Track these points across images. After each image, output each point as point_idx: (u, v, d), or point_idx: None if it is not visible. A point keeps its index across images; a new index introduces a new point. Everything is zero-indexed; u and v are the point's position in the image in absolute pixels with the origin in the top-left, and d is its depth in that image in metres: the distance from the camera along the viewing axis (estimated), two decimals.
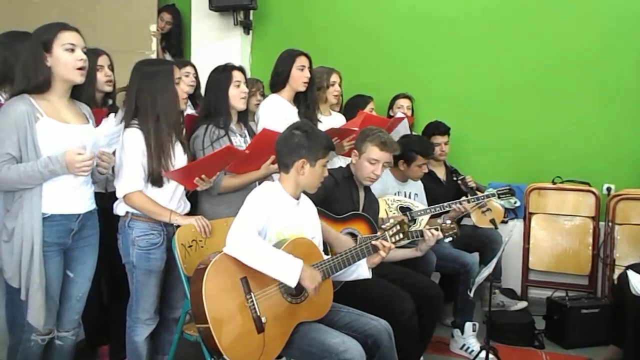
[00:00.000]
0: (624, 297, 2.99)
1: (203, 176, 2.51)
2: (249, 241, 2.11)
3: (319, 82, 3.43)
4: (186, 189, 2.59)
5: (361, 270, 2.39)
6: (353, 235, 2.77)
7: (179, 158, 2.52)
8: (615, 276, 3.64)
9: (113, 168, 2.48)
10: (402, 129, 3.67)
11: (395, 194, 3.44)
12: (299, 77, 3.21)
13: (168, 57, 4.74)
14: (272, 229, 2.26)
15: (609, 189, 4.17)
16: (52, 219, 2.18)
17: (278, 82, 3.25)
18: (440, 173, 3.91)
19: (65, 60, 2.16)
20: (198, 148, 2.68)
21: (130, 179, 2.40)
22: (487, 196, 3.49)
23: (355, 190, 2.92)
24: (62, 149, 2.12)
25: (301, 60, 3.21)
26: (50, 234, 2.18)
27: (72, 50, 2.17)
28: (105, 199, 2.68)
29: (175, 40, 4.80)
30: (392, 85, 4.31)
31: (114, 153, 2.38)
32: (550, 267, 4.21)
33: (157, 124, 2.39)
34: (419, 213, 3.31)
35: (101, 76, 2.88)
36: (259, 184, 2.81)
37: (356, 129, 3.03)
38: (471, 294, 2.88)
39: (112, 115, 2.28)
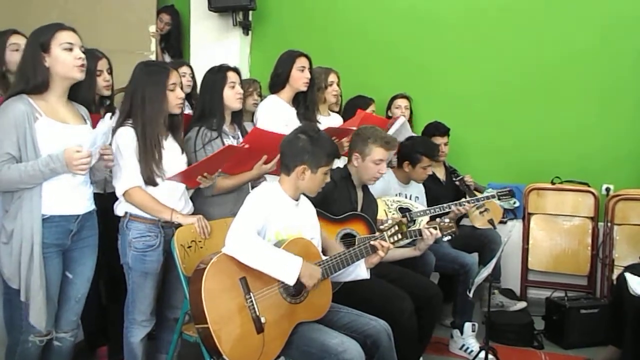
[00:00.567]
0: (622, 297, 2.99)
1: (205, 174, 2.52)
2: (248, 241, 2.11)
3: (317, 83, 3.43)
4: (188, 187, 2.59)
5: (359, 271, 2.39)
6: (351, 235, 2.77)
7: (176, 159, 2.51)
8: (614, 276, 3.64)
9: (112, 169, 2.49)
10: (404, 130, 3.67)
11: (396, 195, 3.44)
12: (299, 78, 3.21)
13: (167, 58, 4.74)
14: (271, 229, 2.26)
15: (608, 190, 4.18)
16: (51, 220, 2.18)
17: (278, 83, 3.25)
18: (440, 173, 3.91)
19: (64, 59, 2.16)
20: (190, 150, 2.67)
21: (128, 176, 2.40)
22: (487, 197, 3.49)
23: (354, 190, 2.92)
24: (61, 149, 2.12)
25: (301, 61, 3.21)
26: (50, 235, 2.17)
27: (71, 49, 2.17)
28: (103, 199, 2.68)
29: (175, 41, 4.80)
30: (391, 86, 4.31)
31: None
32: (549, 267, 4.21)
33: (143, 127, 2.39)
34: (418, 214, 3.31)
35: (100, 80, 2.88)
36: (252, 185, 2.83)
37: (354, 128, 3.04)
38: (470, 295, 2.88)
39: (107, 115, 2.28)
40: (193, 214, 2.61)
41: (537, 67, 4.28)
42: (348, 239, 2.78)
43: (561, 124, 4.25)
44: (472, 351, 3.27)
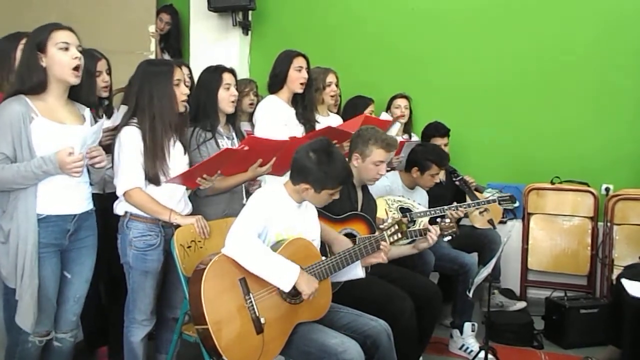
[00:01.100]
0: (622, 297, 2.99)
1: (205, 175, 2.52)
2: (247, 243, 2.11)
3: (315, 84, 3.42)
4: (188, 188, 2.59)
5: (355, 271, 2.39)
6: (352, 235, 2.77)
7: (178, 159, 2.51)
8: (614, 276, 3.64)
9: (112, 167, 2.49)
10: (392, 129, 3.66)
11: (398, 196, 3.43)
12: (296, 78, 3.20)
13: (167, 57, 4.74)
14: (272, 230, 2.25)
15: (607, 189, 4.18)
16: (48, 219, 2.18)
17: (276, 83, 3.25)
18: (440, 174, 3.90)
19: (60, 59, 2.15)
20: (187, 147, 2.67)
21: (129, 176, 2.40)
22: (488, 201, 3.49)
23: (353, 190, 2.92)
24: (56, 150, 2.11)
25: (299, 61, 3.21)
26: (46, 234, 2.17)
27: (67, 49, 2.17)
28: (103, 199, 2.68)
29: (174, 40, 4.81)
30: (391, 86, 4.31)
31: (106, 150, 2.37)
32: (549, 267, 4.21)
33: (152, 123, 2.39)
34: (418, 214, 3.31)
35: (99, 81, 2.88)
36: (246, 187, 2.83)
37: (352, 132, 3.03)
38: (470, 295, 2.88)
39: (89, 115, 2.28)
40: (191, 214, 2.62)
41: (536, 67, 4.28)
42: (349, 239, 2.77)
43: (561, 123, 4.26)
44: (471, 351, 3.27)
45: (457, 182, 3.81)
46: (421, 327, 2.71)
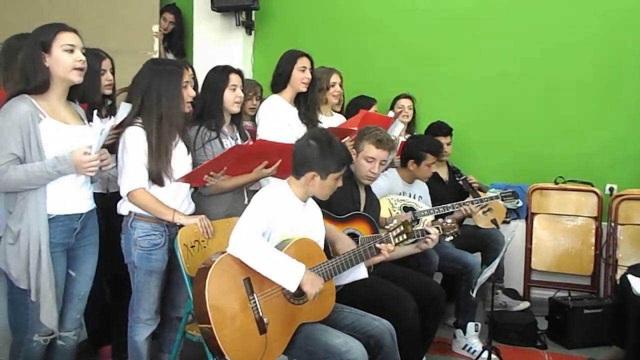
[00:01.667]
0: (626, 297, 2.98)
1: (212, 173, 2.52)
2: (251, 243, 2.11)
3: (319, 84, 3.42)
4: (193, 185, 2.60)
5: (358, 272, 2.40)
6: (355, 235, 2.77)
7: (182, 159, 2.52)
8: (618, 276, 3.64)
9: (116, 167, 2.49)
10: (395, 129, 3.66)
11: (400, 194, 3.44)
12: (299, 79, 3.21)
13: (170, 57, 4.74)
14: (277, 230, 2.26)
15: (611, 189, 4.16)
16: (57, 219, 2.19)
17: (279, 82, 3.25)
18: (443, 173, 3.91)
19: (64, 60, 2.16)
20: (190, 148, 2.67)
21: (133, 177, 2.40)
22: (491, 198, 3.49)
23: (356, 189, 2.92)
24: (64, 149, 2.12)
25: (303, 62, 3.21)
26: (56, 234, 2.18)
27: (72, 51, 2.17)
28: (106, 199, 2.69)
29: (178, 39, 4.81)
30: (394, 85, 4.31)
31: (109, 150, 2.39)
32: (553, 267, 4.20)
33: (159, 123, 2.40)
34: (422, 213, 3.31)
35: (103, 80, 2.89)
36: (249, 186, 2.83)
37: (356, 128, 3.03)
38: (473, 294, 2.88)
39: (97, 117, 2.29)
40: (194, 213, 2.62)
41: (540, 66, 4.27)
42: (351, 239, 2.77)
43: (565, 123, 4.25)
44: (475, 351, 3.27)
45: (460, 182, 3.81)
46: (424, 327, 2.70)
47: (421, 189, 3.55)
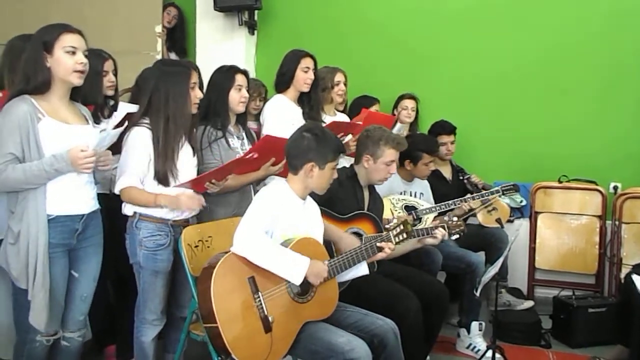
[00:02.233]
0: (630, 296, 2.98)
1: (213, 181, 2.53)
2: (256, 240, 2.12)
3: (323, 83, 3.42)
4: (196, 191, 2.60)
5: (359, 268, 2.41)
6: (358, 234, 2.77)
7: (187, 160, 2.52)
8: (622, 275, 3.62)
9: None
10: (395, 130, 3.66)
11: (400, 194, 3.43)
12: (302, 79, 3.21)
13: (173, 56, 4.75)
14: (279, 228, 2.26)
15: (615, 188, 4.15)
16: (57, 220, 2.19)
17: (282, 82, 3.25)
18: (447, 172, 3.91)
19: (65, 62, 2.15)
20: (196, 149, 2.68)
21: (127, 176, 2.39)
22: (492, 192, 3.49)
23: (360, 189, 2.92)
24: (63, 149, 2.13)
25: (306, 62, 3.21)
26: (56, 235, 2.18)
27: (73, 53, 2.17)
28: (109, 200, 2.69)
29: (180, 36, 4.82)
30: (397, 85, 4.31)
31: (113, 150, 2.39)
32: (557, 266, 4.19)
33: (166, 124, 2.40)
34: (424, 212, 3.31)
35: (105, 81, 2.90)
36: (256, 185, 2.83)
37: (360, 122, 3.03)
38: (477, 294, 2.87)
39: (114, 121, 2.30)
40: (198, 213, 2.63)
41: (543, 65, 4.26)
42: (355, 237, 2.77)
43: (568, 121, 4.23)
44: (479, 350, 3.27)
45: (464, 181, 3.80)
46: (428, 326, 2.70)
47: (421, 185, 3.56)
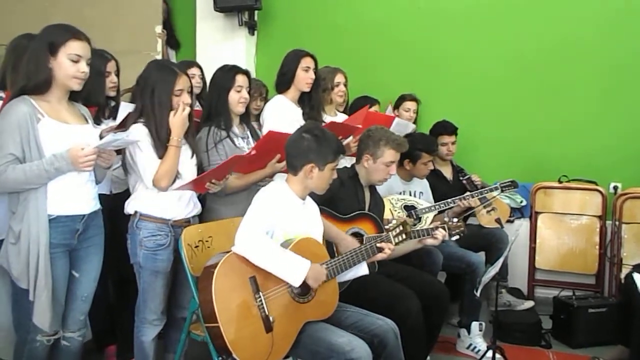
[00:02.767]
0: (631, 296, 2.98)
1: (214, 180, 2.52)
2: (256, 240, 2.12)
3: (324, 84, 3.42)
4: (197, 192, 2.60)
5: (359, 268, 2.41)
6: (359, 234, 2.77)
7: (186, 162, 2.51)
8: (623, 275, 3.62)
9: (125, 167, 2.50)
10: (403, 127, 3.66)
11: (400, 193, 3.43)
12: (303, 79, 3.20)
13: (172, 53, 4.76)
14: (279, 229, 2.26)
15: (615, 188, 4.16)
16: (58, 220, 2.19)
17: (283, 82, 3.25)
18: (447, 172, 3.91)
19: (67, 69, 2.16)
20: (202, 150, 2.67)
21: (149, 172, 2.39)
22: (491, 189, 3.49)
23: (361, 189, 2.92)
24: (63, 148, 2.13)
25: (306, 61, 3.20)
26: (57, 235, 2.18)
27: (77, 61, 2.17)
28: (110, 200, 2.70)
29: (170, 29, 4.82)
30: (398, 85, 4.31)
31: (117, 152, 2.39)
32: (557, 266, 4.20)
33: (155, 127, 2.39)
34: (423, 211, 3.31)
35: (107, 82, 2.90)
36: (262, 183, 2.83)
37: (359, 126, 3.03)
38: (477, 294, 2.87)
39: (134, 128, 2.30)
40: (202, 213, 2.64)
41: (543, 65, 4.27)
42: (356, 238, 2.77)
43: (568, 122, 4.24)
44: (479, 350, 3.27)
45: (464, 181, 3.81)
46: (428, 326, 2.70)
47: (421, 184, 3.56)
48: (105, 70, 2.85)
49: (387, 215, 3.15)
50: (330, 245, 2.59)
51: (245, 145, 2.84)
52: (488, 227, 3.71)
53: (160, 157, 2.39)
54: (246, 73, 2.86)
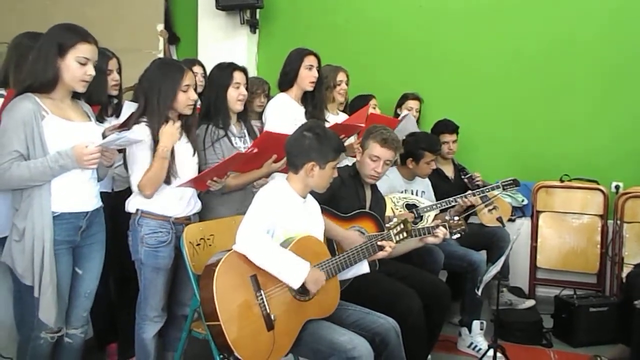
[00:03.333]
0: (632, 295, 2.97)
1: (215, 178, 2.53)
2: (257, 240, 2.12)
3: (326, 82, 3.42)
4: (198, 190, 2.60)
5: (359, 267, 2.41)
6: (360, 233, 2.77)
7: (187, 160, 2.52)
8: (624, 274, 3.62)
9: (126, 165, 2.50)
10: (410, 126, 3.66)
11: (402, 192, 3.43)
12: (306, 77, 3.20)
13: (174, 51, 4.76)
14: (280, 227, 2.26)
15: (617, 187, 4.15)
16: (62, 217, 2.20)
17: (286, 81, 3.24)
18: (449, 171, 3.91)
19: (74, 71, 2.17)
20: (199, 148, 2.67)
21: (139, 173, 2.41)
22: (492, 188, 3.49)
23: (362, 188, 2.92)
24: (67, 146, 2.14)
25: (310, 60, 3.20)
26: (60, 232, 2.19)
27: (85, 64, 2.18)
28: (111, 198, 2.70)
29: (167, 26, 4.81)
30: (399, 84, 4.31)
31: (119, 151, 2.40)
32: (558, 265, 4.20)
33: (159, 124, 2.40)
34: (425, 209, 3.31)
35: (109, 80, 2.90)
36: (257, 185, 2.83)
37: (362, 125, 3.03)
38: (479, 293, 2.87)
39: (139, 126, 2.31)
40: (205, 213, 2.65)
41: (545, 64, 4.26)
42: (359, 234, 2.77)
43: (570, 121, 4.24)
44: (480, 349, 3.27)
45: (466, 180, 3.80)
46: (429, 325, 2.70)
47: (423, 184, 3.56)
48: (106, 68, 2.85)
49: (389, 213, 3.15)
50: (330, 243, 2.59)
51: (242, 144, 2.83)
52: (489, 226, 3.71)
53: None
54: (243, 70, 2.85)
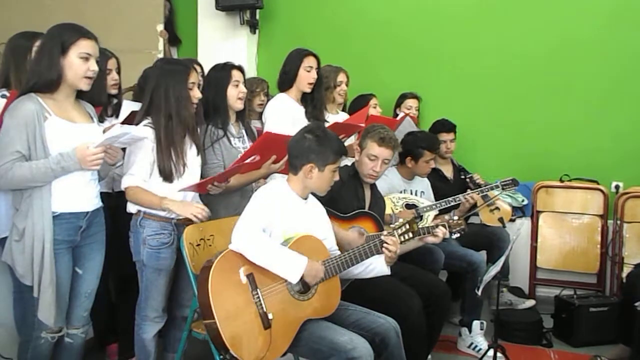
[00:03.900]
0: (632, 295, 2.97)
1: (215, 183, 2.53)
2: (253, 237, 2.12)
3: (326, 82, 3.42)
4: (198, 193, 2.61)
5: (380, 267, 2.40)
6: (360, 233, 2.77)
7: (192, 159, 2.52)
8: (624, 274, 3.62)
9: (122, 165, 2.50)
10: (408, 125, 3.66)
11: (401, 192, 3.43)
12: (305, 78, 3.20)
13: (174, 51, 4.76)
14: (278, 227, 2.26)
15: (617, 187, 4.15)
16: (62, 217, 2.20)
17: (285, 81, 3.25)
18: (448, 171, 3.91)
19: (77, 67, 2.17)
20: (200, 148, 2.67)
21: (132, 175, 2.41)
22: (492, 188, 3.49)
23: (361, 188, 2.92)
24: (69, 147, 2.14)
25: (309, 61, 3.20)
26: (60, 232, 2.19)
27: (87, 59, 2.19)
28: (112, 199, 2.70)
29: (171, 28, 4.83)
30: (399, 83, 4.31)
31: (123, 149, 2.40)
32: (558, 265, 4.19)
33: (167, 122, 2.40)
34: (425, 209, 3.30)
35: (108, 80, 2.91)
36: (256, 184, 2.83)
37: (362, 125, 3.03)
38: (479, 293, 2.87)
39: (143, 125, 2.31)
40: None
41: (545, 64, 4.26)
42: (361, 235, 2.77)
43: (570, 121, 4.23)
44: (480, 349, 3.27)
45: (465, 180, 3.80)
46: (430, 325, 2.70)
47: (423, 184, 3.56)
48: (106, 68, 2.85)
49: (389, 213, 3.15)
50: None
51: (240, 145, 2.84)
52: (490, 226, 3.71)
53: (160, 157, 2.39)
54: (240, 68, 2.86)
